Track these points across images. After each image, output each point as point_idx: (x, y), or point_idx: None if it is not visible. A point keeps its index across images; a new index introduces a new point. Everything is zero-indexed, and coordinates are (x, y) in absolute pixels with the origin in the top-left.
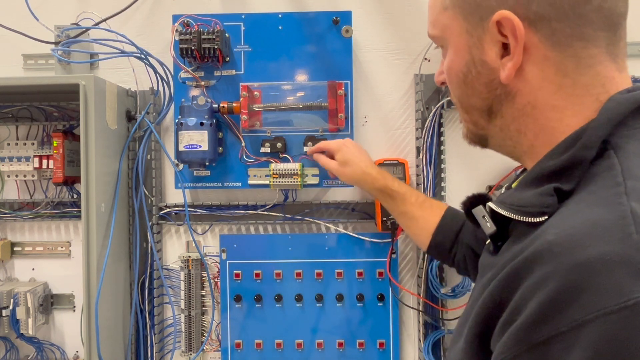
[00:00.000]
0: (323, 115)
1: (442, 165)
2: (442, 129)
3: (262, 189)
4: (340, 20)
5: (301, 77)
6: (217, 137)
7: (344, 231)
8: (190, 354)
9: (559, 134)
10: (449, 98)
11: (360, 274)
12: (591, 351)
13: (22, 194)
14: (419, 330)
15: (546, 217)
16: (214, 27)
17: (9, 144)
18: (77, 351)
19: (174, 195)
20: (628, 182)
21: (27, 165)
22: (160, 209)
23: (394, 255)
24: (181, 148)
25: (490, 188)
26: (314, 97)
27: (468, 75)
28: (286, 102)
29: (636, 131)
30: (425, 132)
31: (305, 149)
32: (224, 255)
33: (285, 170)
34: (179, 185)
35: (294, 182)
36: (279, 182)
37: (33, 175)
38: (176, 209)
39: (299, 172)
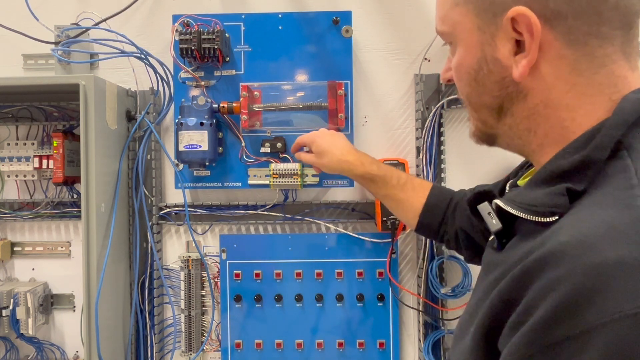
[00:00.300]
0: (323, 115)
1: (442, 165)
2: (442, 129)
3: (262, 189)
4: (340, 20)
5: (301, 77)
6: (217, 137)
7: (344, 231)
8: (190, 354)
9: (570, 133)
10: (449, 98)
11: (360, 274)
12: (604, 355)
13: (22, 194)
14: (419, 330)
15: (557, 217)
16: (214, 27)
17: (9, 144)
18: (77, 351)
19: (174, 195)
20: None
21: (27, 165)
22: (160, 209)
23: (394, 255)
24: (181, 148)
25: None
26: (314, 97)
27: (479, 73)
28: (286, 102)
29: None
30: (425, 132)
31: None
32: (224, 255)
33: (285, 170)
34: (179, 185)
35: (294, 182)
36: (279, 182)
37: (33, 175)
38: (176, 209)
39: (299, 172)
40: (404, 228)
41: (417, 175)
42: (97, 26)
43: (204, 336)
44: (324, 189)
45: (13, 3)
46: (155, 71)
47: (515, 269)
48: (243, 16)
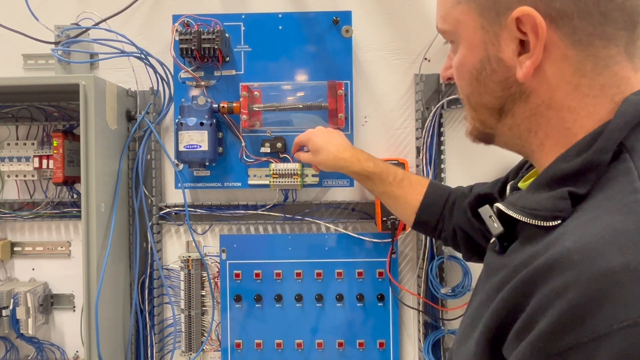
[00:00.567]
0: (323, 115)
1: (442, 165)
2: (442, 129)
3: (262, 189)
4: (340, 20)
5: (301, 77)
6: (217, 137)
7: (344, 231)
8: (190, 354)
9: (571, 135)
10: (449, 98)
11: (360, 274)
12: None
13: (22, 194)
14: (419, 330)
15: (559, 221)
16: (214, 27)
17: (9, 144)
18: (77, 351)
19: (174, 195)
20: None
21: (27, 165)
22: (160, 209)
23: (394, 255)
24: (181, 148)
25: None
26: (314, 97)
27: (482, 73)
28: (286, 102)
29: None
30: (425, 132)
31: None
32: (224, 255)
33: (285, 170)
34: (179, 185)
35: (294, 182)
36: (279, 182)
37: (33, 175)
38: (176, 209)
39: (299, 172)
40: (404, 228)
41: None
42: (97, 26)
43: (204, 336)
44: (324, 189)
45: (13, 3)
46: (155, 71)
47: (519, 274)
48: (243, 16)
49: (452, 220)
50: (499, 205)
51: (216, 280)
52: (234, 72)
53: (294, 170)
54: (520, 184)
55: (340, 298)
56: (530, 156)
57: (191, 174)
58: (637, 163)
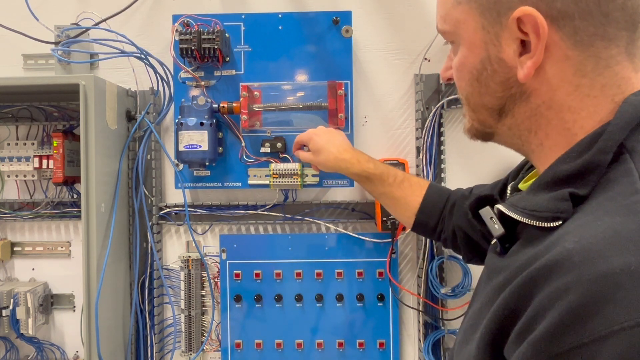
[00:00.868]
0: (323, 115)
1: (442, 165)
2: (442, 129)
3: (262, 189)
4: (340, 20)
5: (301, 77)
6: (217, 137)
7: (344, 231)
8: (190, 354)
9: (571, 135)
10: (449, 98)
11: (360, 274)
12: None
13: (22, 194)
14: (419, 330)
15: (560, 222)
16: (214, 27)
17: (9, 144)
18: (77, 351)
19: (174, 195)
20: None
21: (27, 165)
22: (160, 209)
23: (394, 255)
24: (181, 148)
25: None
26: (314, 97)
27: (482, 73)
28: (286, 102)
29: None
30: (425, 132)
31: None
32: (224, 255)
33: (285, 170)
34: (179, 185)
35: (294, 182)
36: (279, 182)
37: (33, 175)
38: (176, 209)
39: (299, 172)
40: (404, 228)
41: (417, 175)
42: (97, 26)
43: (204, 336)
44: (324, 189)
45: (13, 3)
46: (155, 71)
47: (520, 275)
48: (243, 16)
49: (452, 222)
50: (499, 206)
51: (216, 280)
52: (234, 72)
53: (294, 170)
54: (520, 185)
55: (340, 298)
56: (529, 156)
57: (191, 174)
58: (637, 164)
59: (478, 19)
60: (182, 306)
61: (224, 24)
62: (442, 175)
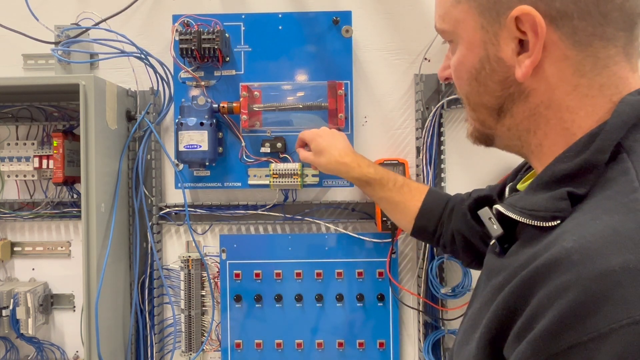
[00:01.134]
0: (323, 115)
1: (442, 165)
2: (442, 129)
3: (262, 189)
4: (340, 20)
5: (301, 77)
6: (217, 137)
7: (344, 231)
8: (190, 354)
9: (570, 135)
10: (449, 98)
11: (360, 274)
12: None
13: (22, 194)
14: (419, 330)
15: (558, 221)
16: (214, 27)
17: (9, 144)
18: (77, 351)
19: (174, 195)
20: None
21: (27, 165)
22: (160, 209)
23: (394, 255)
24: (181, 148)
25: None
26: (314, 97)
27: (481, 72)
28: (286, 102)
29: None
30: (425, 132)
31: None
32: (224, 255)
33: (285, 170)
34: (179, 185)
35: (294, 182)
36: (279, 182)
37: (33, 175)
38: (176, 209)
39: (299, 172)
40: None
41: (417, 175)
42: (97, 26)
43: (204, 336)
44: (324, 189)
45: (13, 3)
46: (155, 71)
47: (519, 275)
48: (243, 16)
49: (450, 226)
50: (498, 206)
51: (216, 280)
52: (234, 72)
53: (294, 170)
54: (519, 186)
55: (340, 298)
56: (529, 157)
57: (191, 174)
58: (635, 163)
59: (477, 18)
60: (182, 306)
61: (224, 24)
62: (442, 175)
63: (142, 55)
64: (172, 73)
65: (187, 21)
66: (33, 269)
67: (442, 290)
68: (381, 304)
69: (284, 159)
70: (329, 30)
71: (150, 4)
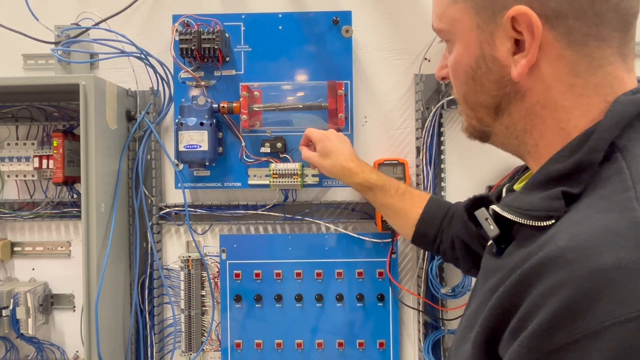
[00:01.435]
0: (323, 115)
1: (442, 165)
2: (442, 129)
3: (262, 189)
4: (340, 20)
5: (301, 77)
6: (217, 137)
7: (344, 231)
8: (190, 354)
9: (565, 134)
10: (449, 98)
11: (360, 274)
12: (608, 359)
13: (22, 194)
14: (419, 330)
15: (553, 221)
16: (214, 27)
17: (9, 144)
18: (77, 351)
19: (174, 195)
20: (638, 186)
21: (27, 165)
22: (160, 209)
23: (394, 255)
24: (181, 148)
25: (490, 188)
26: (314, 97)
27: (477, 72)
28: (286, 102)
29: None
30: (425, 132)
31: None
32: (224, 255)
33: (285, 170)
34: (179, 185)
35: (294, 182)
36: (279, 182)
37: (33, 175)
38: (176, 209)
39: (299, 172)
40: None
41: (417, 175)
42: (97, 26)
43: (204, 336)
44: (324, 189)
45: (13, 3)
46: (155, 71)
47: (513, 274)
48: (243, 16)
49: (450, 232)
50: (494, 207)
51: (216, 280)
52: (234, 72)
53: (294, 170)
54: (515, 186)
55: (340, 298)
56: (525, 157)
57: (191, 174)
58: (629, 162)
59: (473, 18)
60: (182, 306)
61: (224, 24)
62: (442, 175)
63: (142, 55)
64: (172, 73)
65: (187, 21)
66: (33, 269)
67: (442, 290)
68: (381, 304)
69: (284, 159)
70: (329, 30)
71: (150, 4)
